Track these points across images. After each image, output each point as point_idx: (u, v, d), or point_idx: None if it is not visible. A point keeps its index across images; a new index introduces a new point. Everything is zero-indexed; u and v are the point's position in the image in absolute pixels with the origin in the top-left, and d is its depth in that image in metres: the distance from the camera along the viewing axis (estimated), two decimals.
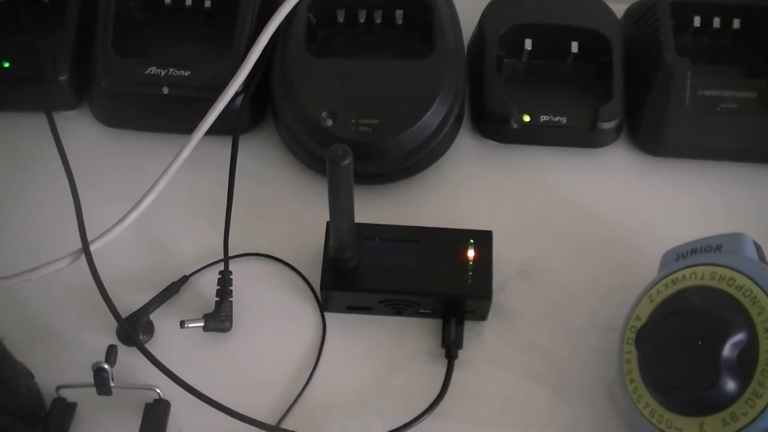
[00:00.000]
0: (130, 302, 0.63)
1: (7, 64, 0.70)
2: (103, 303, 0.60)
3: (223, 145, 0.68)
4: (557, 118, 0.68)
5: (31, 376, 0.59)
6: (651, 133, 0.69)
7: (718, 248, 0.56)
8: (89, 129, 0.72)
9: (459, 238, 0.62)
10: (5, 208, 0.68)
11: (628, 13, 0.74)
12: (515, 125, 0.68)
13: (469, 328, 0.63)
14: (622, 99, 0.69)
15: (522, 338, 0.63)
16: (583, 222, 0.68)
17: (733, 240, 0.56)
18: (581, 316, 0.63)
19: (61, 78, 0.70)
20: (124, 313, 0.62)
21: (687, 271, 0.56)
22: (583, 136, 0.69)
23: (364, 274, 0.61)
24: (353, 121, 0.65)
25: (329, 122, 0.65)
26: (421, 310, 0.63)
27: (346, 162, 0.51)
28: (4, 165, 0.70)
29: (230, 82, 0.65)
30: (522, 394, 0.61)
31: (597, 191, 0.69)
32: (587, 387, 0.61)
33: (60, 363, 0.61)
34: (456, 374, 0.61)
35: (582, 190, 0.69)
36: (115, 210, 0.64)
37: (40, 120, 0.69)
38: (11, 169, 0.70)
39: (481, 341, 0.63)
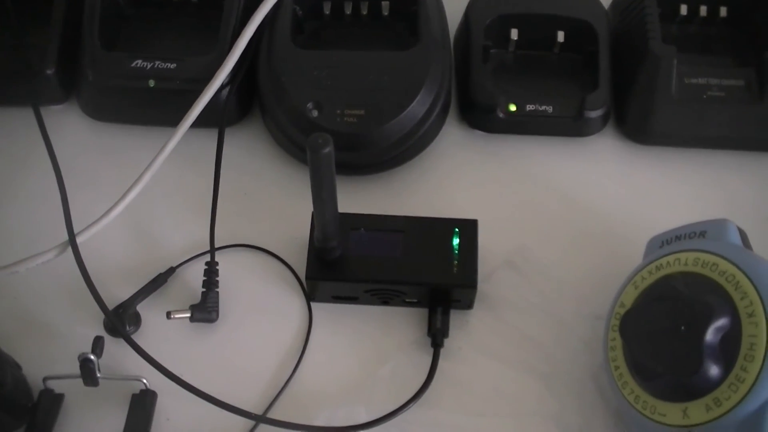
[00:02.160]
0: (117, 294, 0.63)
1: None
2: (91, 295, 0.60)
3: (211, 138, 0.68)
4: (543, 107, 0.68)
5: (18, 367, 0.59)
6: (638, 121, 0.69)
7: (702, 234, 0.56)
8: (77, 123, 0.72)
9: (444, 227, 0.62)
10: None
11: (615, 2, 0.74)
12: (501, 115, 0.68)
13: (456, 317, 0.63)
14: (608, 88, 0.69)
15: (509, 327, 0.63)
16: (570, 211, 0.68)
17: (717, 226, 0.56)
18: (568, 305, 0.63)
19: (48, 72, 0.69)
20: (111, 305, 0.62)
21: (671, 258, 0.56)
22: (570, 125, 0.69)
23: (350, 263, 0.61)
24: (339, 111, 0.65)
25: (315, 113, 0.65)
26: (407, 300, 0.63)
27: (327, 150, 0.51)
28: None
29: (216, 74, 0.66)
30: (509, 383, 0.61)
31: (584, 180, 0.69)
32: (574, 376, 0.61)
33: (47, 355, 0.61)
34: (442, 363, 0.61)
35: (569, 179, 0.69)
36: (103, 203, 0.64)
37: (27, 114, 0.69)
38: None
39: (468, 330, 0.63)
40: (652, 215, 0.65)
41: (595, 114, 0.68)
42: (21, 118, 0.70)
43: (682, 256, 0.56)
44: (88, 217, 0.63)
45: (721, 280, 0.53)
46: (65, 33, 0.70)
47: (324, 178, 0.53)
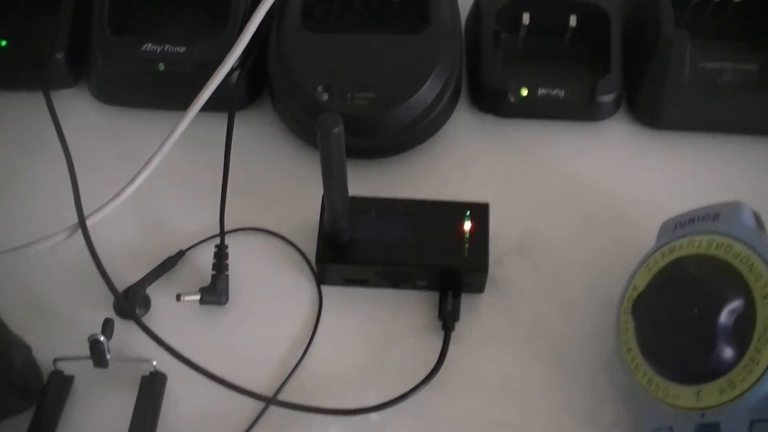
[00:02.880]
0: (126, 277, 0.63)
1: (3, 43, 0.70)
2: (101, 277, 0.60)
3: (220, 122, 0.68)
4: (555, 92, 0.68)
5: (29, 349, 0.59)
6: (650, 106, 0.69)
7: (716, 217, 0.56)
8: (87, 107, 0.72)
9: (455, 210, 0.62)
10: (3, 186, 0.68)
11: None
12: (513, 99, 0.68)
13: (466, 301, 0.62)
14: (620, 72, 0.69)
15: (519, 311, 0.62)
16: (581, 195, 0.67)
17: (731, 208, 0.55)
18: (579, 289, 0.63)
19: (58, 56, 0.70)
20: (121, 288, 0.62)
21: (684, 240, 0.56)
22: (582, 110, 0.69)
23: (360, 246, 0.61)
24: (349, 95, 0.65)
25: (325, 97, 0.65)
26: (417, 283, 0.62)
27: (337, 130, 0.50)
28: (3, 143, 0.70)
29: (226, 58, 0.65)
30: (519, 367, 0.61)
31: (596, 165, 0.69)
32: (585, 360, 0.61)
33: (58, 337, 0.61)
34: (453, 347, 0.61)
35: (581, 164, 0.69)
36: (112, 186, 0.63)
37: (38, 98, 0.69)
38: (10, 148, 0.70)
39: (478, 314, 0.62)
40: (665, 199, 0.64)
41: (607, 98, 0.68)
42: (31, 103, 0.70)
43: (696, 238, 0.55)
44: (97, 201, 0.63)
45: (735, 263, 0.52)
46: (75, 17, 0.70)
47: (334, 158, 0.53)
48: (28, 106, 0.70)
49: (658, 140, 0.69)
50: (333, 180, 0.55)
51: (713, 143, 0.69)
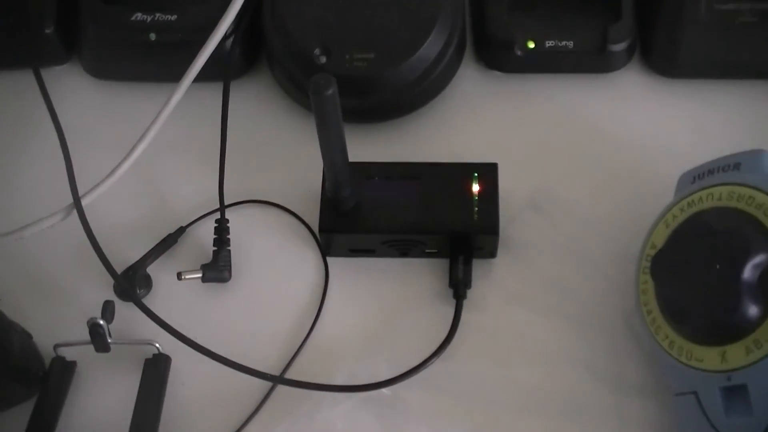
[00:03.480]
0: (126, 256, 0.61)
1: None
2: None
3: (218, 92, 0.66)
4: (564, 43, 0.65)
5: (29, 336, 0.58)
6: (665, 52, 0.66)
7: (737, 167, 0.53)
8: (80, 83, 0.70)
9: (462, 172, 0.59)
10: None
11: None
12: (520, 53, 0.65)
13: (478, 267, 0.60)
14: (632, 18, 0.65)
15: (534, 273, 0.60)
16: (596, 150, 0.65)
17: (752, 157, 0.53)
18: (597, 246, 0.61)
19: (48, 31, 0.68)
20: (121, 268, 0.60)
21: (704, 193, 0.53)
22: (593, 61, 0.66)
23: (365, 214, 0.59)
24: (347, 56, 0.62)
25: (323, 59, 0.63)
26: (426, 250, 0.60)
27: (330, 91, 0.48)
28: None
29: (218, 24, 0.62)
30: (537, 330, 0.58)
31: (610, 118, 0.66)
32: (605, 319, 0.58)
33: (59, 322, 0.60)
34: (466, 315, 0.58)
35: (594, 118, 0.66)
36: (108, 163, 0.61)
37: (29, 76, 0.67)
38: (1, 128, 0.68)
39: (492, 279, 0.60)
40: (683, 150, 0.61)
41: (619, 47, 0.65)
42: (22, 81, 0.68)
43: (716, 190, 0.52)
44: (93, 179, 0.61)
45: (759, 214, 0.50)
46: None
47: (330, 121, 0.51)
48: (19, 85, 0.68)
49: (675, 89, 0.66)
50: (330, 144, 0.53)
51: (732, 90, 0.66)
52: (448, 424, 0.56)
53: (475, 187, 0.59)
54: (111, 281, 0.60)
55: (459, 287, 0.59)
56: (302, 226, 0.63)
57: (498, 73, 0.68)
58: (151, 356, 0.58)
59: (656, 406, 0.55)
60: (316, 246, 0.62)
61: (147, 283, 0.61)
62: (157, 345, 0.58)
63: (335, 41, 0.62)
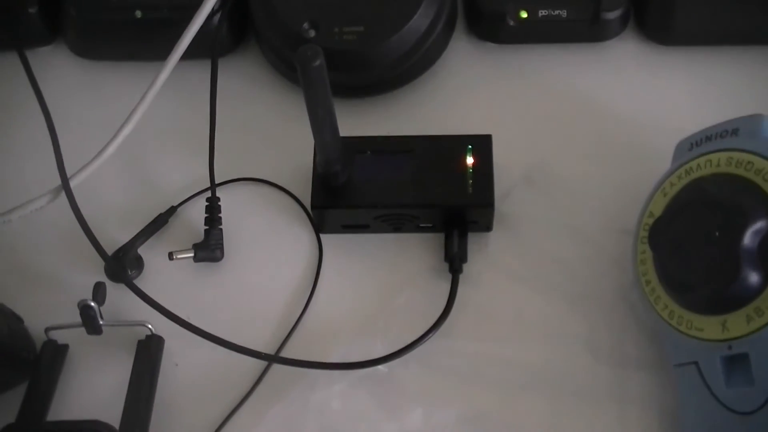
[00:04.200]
0: (117, 237, 0.60)
1: None
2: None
3: (206, 69, 0.64)
4: (557, 12, 0.64)
5: (19, 320, 0.57)
6: (659, 20, 0.65)
7: (735, 132, 0.52)
8: (66, 64, 0.69)
9: (456, 144, 0.59)
10: None
11: None
12: (512, 23, 0.64)
13: (474, 241, 0.59)
14: None
15: (531, 247, 0.59)
16: (591, 122, 0.64)
17: (750, 122, 0.51)
18: (594, 219, 0.60)
19: (31, 11, 0.66)
20: (111, 249, 0.59)
21: (701, 160, 0.52)
22: (586, 30, 0.65)
23: (357, 189, 0.58)
24: (336, 30, 0.61)
25: (312, 33, 0.62)
26: (421, 225, 0.59)
27: (317, 63, 0.47)
28: None
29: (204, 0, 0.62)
30: (534, 306, 0.58)
31: (605, 87, 0.65)
32: (603, 294, 0.58)
33: (50, 305, 0.59)
34: (462, 290, 0.58)
35: (588, 88, 0.65)
36: (96, 145, 0.60)
37: (13, 58, 0.66)
38: None
39: (487, 253, 0.59)
40: (680, 120, 0.60)
41: (612, 15, 0.64)
42: (6, 63, 0.67)
43: (714, 156, 0.51)
44: (81, 160, 0.60)
45: (758, 180, 0.49)
46: None
47: (318, 93, 0.50)
48: (3, 67, 0.67)
49: (670, 57, 0.65)
50: (319, 118, 0.52)
51: (728, 56, 0.65)
52: (444, 401, 0.55)
53: (469, 160, 0.58)
54: (101, 263, 0.59)
55: (455, 261, 0.58)
56: (294, 203, 0.62)
57: (491, 45, 0.66)
58: (143, 338, 0.57)
59: (656, 380, 0.55)
60: (308, 223, 0.61)
61: (138, 264, 0.60)
62: (150, 326, 0.57)
63: (323, 15, 0.62)
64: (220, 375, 0.57)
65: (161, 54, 0.61)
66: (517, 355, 0.56)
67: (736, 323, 0.48)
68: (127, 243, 0.60)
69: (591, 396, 0.55)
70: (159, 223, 0.61)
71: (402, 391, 0.55)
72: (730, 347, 0.48)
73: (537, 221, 0.60)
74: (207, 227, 0.60)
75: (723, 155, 0.51)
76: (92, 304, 0.55)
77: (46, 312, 0.58)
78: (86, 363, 0.58)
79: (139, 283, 0.58)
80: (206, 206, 0.61)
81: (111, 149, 0.60)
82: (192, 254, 0.59)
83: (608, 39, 0.66)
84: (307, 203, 0.60)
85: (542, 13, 0.64)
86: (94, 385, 0.57)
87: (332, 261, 0.60)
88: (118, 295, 0.58)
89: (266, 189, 0.63)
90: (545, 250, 0.59)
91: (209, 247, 0.59)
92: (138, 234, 0.60)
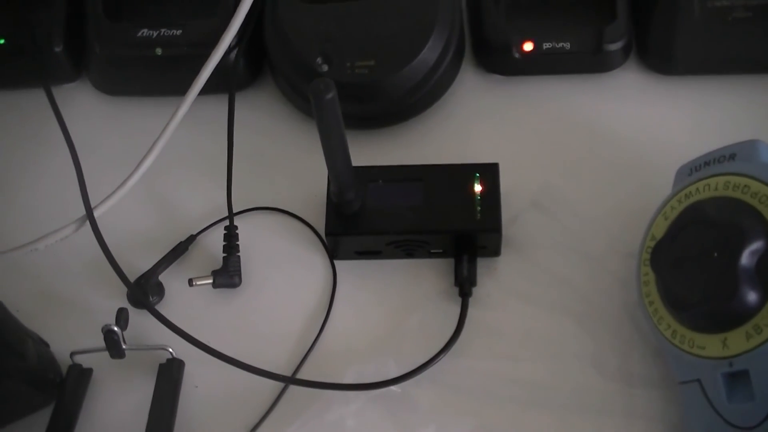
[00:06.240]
0: (138, 265, 0.62)
1: (1, 41, 0.69)
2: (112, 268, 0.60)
3: (224, 104, 0.67)
4: (561, 44, 0.66)
5: (46, 345, 0.59)
6: (660, 51, 0.67)
7: (732, 157, 0.54)
8: (90, 100, 0.71)
9: (464, 172, 0.60)
10: (11, 183, 0.68)
11: None
12: (517, 55, 0.66)
13: (483, 265, 0.61)
14: (627, 17, 0.66)
15: (539, 270, 0.61)
16: (595, 150, 0.65)
17: (747, 147, 0.53)
18: (599, 242, 0.61)
19: (56, 49, 0.69)
20: (133, 276, 0.61)
21: (700, 184, 0.54)
22: (590, 61, 0.67)
23: (370, 216, 0.60)
24: (349, 64, 0.63)
25: (325, 68, 0.64)
26: (432, 251, 0.61)
27: (330, 95, 0.49)
28: (10, 141, 0.70)
29: (222, 37, 0.64)
30: (542, 325, 0.59)
31: (608, 117, 0.67)
32: (610, 314, 0.59)
33: (75, 330, 0.61)
34: (472, 312, 0.59)
35: (592, 117, 0.67)
36: (119, 176, 0.63)
37: (40, 95, 0.68)
38: (15, 145, 0.70)
39: (496, 276, 0.61)
40: (681, 147, 0.61)
41: (615, 47, 0.66)
42: (34, 99, 0.69)
43: (712, 181, 0.53)
44: (104, 191, 0.62)
45: (754, 202, 0.50)
46: (70, 8, 0.70)
47: (331, 125, 0.52)
48: (31, 103, 0.70)
49: (671, 86, 0.67)
50: (332, 148, 0.54)
51: (727, 85, 0.66)
52: (456, 419, 0.57)
53: (477, 187, 0.60)
54: (124, 290, 0.61)
55: (464, 285, 0.60)
56: (309, 231, 0.64)
57: (497, 77, 0.69)
58: (164, 361, 0.59)
59: (662, 397, 0.56)
60: (323, 249, 0.63)
61: (159, 290, 0.62)
62: (171, 350, 0.59)
63: (336, 50, 0.64)
64: (239, 396, 0.58)
65: (181, 89, 0.64)
66: (526, 374, 0.58)
67: (736, 340, 0.49)
68: (148, 270, 0.62)
69: (598, 412, 0.56)
70: (179, 251, 0.63)
71: (415, 409, 0.57)
72: (731, 364, 0.50)
73: (544, 244, 0.62)
74: (225, 254, 0.62)
75: (721, 179, 0.53)
76: (115, 329, 0.56)
77: (71, 337, 0.61)
78: (110, 386, 0.60)
79: (161, 308, 0.60)
80: (224, 234, 0.63)
81: (133, 180, 0.62)
82: (211, 280, 0.61)
83: (611, 69, 0.67)
84: (322, 231, 0.62)
85: (546, 45, 0.66)
86: (117, 406, 0.59)
87: (346, 286, 0.62)
88: (140, 320, 0.60)
89: (282, 217, 0.65)
90: (552, 272, 0.61)
91: (228, 274, 0.61)
92: (159, 261, 0.62)
